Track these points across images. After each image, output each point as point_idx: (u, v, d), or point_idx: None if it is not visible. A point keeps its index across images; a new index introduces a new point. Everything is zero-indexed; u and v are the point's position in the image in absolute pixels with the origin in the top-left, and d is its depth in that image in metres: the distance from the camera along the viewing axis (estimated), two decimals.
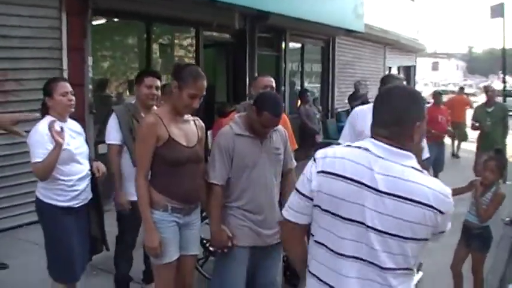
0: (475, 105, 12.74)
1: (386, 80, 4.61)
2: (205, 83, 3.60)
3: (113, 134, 4.60)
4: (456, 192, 5.57)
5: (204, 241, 5.42)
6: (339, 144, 4.52)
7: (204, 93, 3.62)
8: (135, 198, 4.38)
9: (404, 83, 4.44)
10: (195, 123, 3.80)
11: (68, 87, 4.01)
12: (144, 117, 3.80)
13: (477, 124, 9.68)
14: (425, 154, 4.49)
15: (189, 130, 3.70)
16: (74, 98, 4.03)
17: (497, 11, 11.87)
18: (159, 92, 4.74)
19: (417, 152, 2.20)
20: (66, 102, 3.95)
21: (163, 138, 3.53)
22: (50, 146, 3.71)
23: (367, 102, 13.88)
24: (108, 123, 4.67)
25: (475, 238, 5.11)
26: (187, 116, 3.74)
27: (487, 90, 9.88)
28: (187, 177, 3.60)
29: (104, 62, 8.88)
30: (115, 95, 9.17)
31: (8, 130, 2.83)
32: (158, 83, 4.69)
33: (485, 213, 5.03)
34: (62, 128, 3.73)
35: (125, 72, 9.41)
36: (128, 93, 9.28)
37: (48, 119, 3.87)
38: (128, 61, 9.43)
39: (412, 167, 2.07)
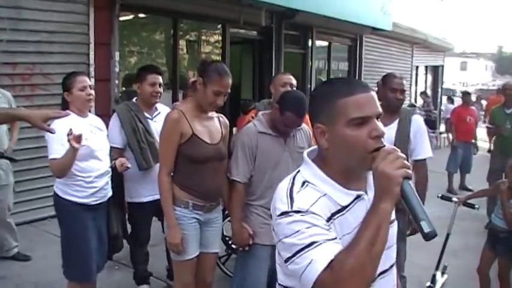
0: None
1: (386, 79, 4.52)
2: (230, 81, 3.58)
3: (114, 136, 4.47)
4: (481, 194, 5.51)
5: (227, 238, 5.43)
6: None
7: (229, 90, 3.60)
8: (139, 199, 4.43)
9: (405, 82, 4.39)
10: (219, 120, 3.79)
11: (86, 81, 3.96)
12: (168, 113, 3.77)
13: (492, 127, 8.67)
14: (427, 153, 4.43)
15: (212, 127, 3.69)
16: (93, 92, 3.98)
17: None
18: (162, 89, 4.65)
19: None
20: (85, 97, 3.90)
21: (186, 135, 3.53)
22: (67, 142, 3.60)
23: None
24: (110, 124, 4.55)
25: (501, 242, 5.01)
26: (211, 113, 3.73)
27: (505, 88, 8.56)
28: (209, 174, 3.60)
29: (130, 57, 8.92)
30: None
31: (39, 126, 2.82)
32: (161, 79, 4.62)
33: None
34: (81, 135, 3.59)
35: None
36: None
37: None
38: (154, 57, 9.45)
39: (293, 177, 1.80)
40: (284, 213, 1.66)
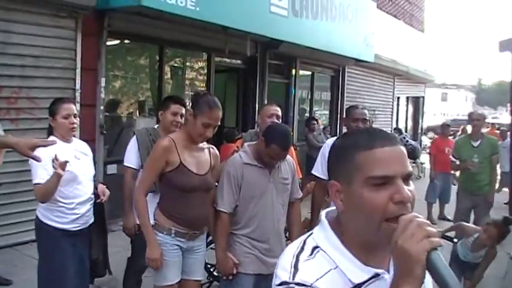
0: None
1: (348, 110, 4.82)
2: (220, 114, 3.66)
3: (131, 157, 4.62)
4: (459, 229, 5.66)
5: (209, 266, 5.46)
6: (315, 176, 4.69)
7: (219, 123, 3.68)
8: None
9: (367, 112, 4.62)
10: (209, 151, 3.86)
11: (71, 109, 4.00)
12: (159, 139, 3.85)
13: (457, 162, 7.75)
14: None
15: (201, 158, 3.76)
16: (76, 120, 4.03)
17: (506, 46, 11.88)
18: (183, 120, 4.72)
19: None
20: (68, 125, 3.96)
21: (174, 163, 3.60)
22: (50, 168, 3.67)
23: None
24: (128, 146, 4.70)
25: (469, 268, 5.35)
26: (202, 144, 3.80)
27: (473, 119, 7.54)
28: (195, 203, 3.66)
29: (116, 83, 8.99)
30: (126, 116, 9.26)
31: (26, 154, 2.87)
32: (183, 110, 4.68)
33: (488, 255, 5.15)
34: (66, 161, 3.67)
35: (137, 93, 9.52)
36: (137, 114, 9.39)
37: (52, 138, 3.87)
38: (140, 83, 9.54)
39: (304, 240, 1.53)
40: (284, 284, 1.41)
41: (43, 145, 3.08)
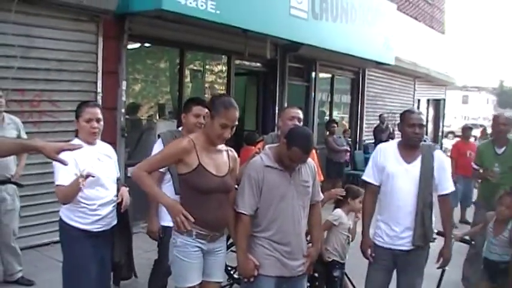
0: None
1: (404, 114, 4.60)
2: (237, 114, 3.67)
3: None
4: (478, 230, 5.54)
5: (229, 268, 5.46)
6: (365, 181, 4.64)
7: (236, 123, 3.68)
8: (169, 223, 4.41)
9: (423, 117, 4.55)
10: (227, 154, 3.86)
11: (94, 113, 4.03)
12: (180, 138, 3.86)
13: (479, 169, 6.72)
14: (450, 188, 4.49)
15: (220, 160, 3.76)
16: (98, 125, 4.04)
17: None
18: (204, 121, 4.76)
19: None
20: (89, 129, 3.99)
21: (192, 165, 3.60)
22: (73, 169, 3.73)
23: (393, 135, 13.89)
24: (154, 148, 4.69)
25: (501, 274, 5.06)
26: (220, 146, 3.80)
27: (499, 123, 6.52)
28: (215, 205, 3.65)
29: (137, 86, 9.05)
30: (146, 119, 9.32)
31: (53, 158, 2.91)
32: (205, 112, 4.71)
33: None
34: (88, 175, 3.70)
35: (157, 96, 9.58)
36: (157, 117, 9.44)
37: (76, 141, 3.92)
38: (160, 86, 9.60)
39: None
40: None
41: (69, 149, 3.12)
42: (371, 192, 4.65)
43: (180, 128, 4.90)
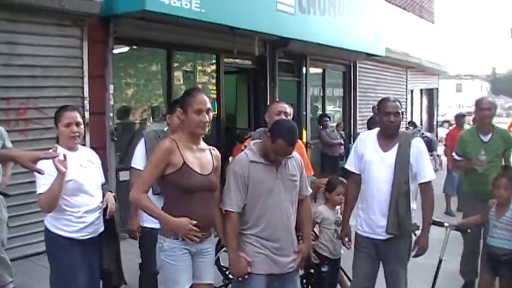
0: None
1: (380, 103, 4.58)
2: (205, 97, 3.65)
3: (138, 158, 4.61)
4: (474, 220, 5.46)
5: (224, 269, 5.41)
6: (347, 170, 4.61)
7: (209, 106, 3.64)
8: (151, 224, 4.38)
9: (398, 104, 4.52)
10: (210, 153, 3.80)
11: (73, 117, 3.94)
12: (161, 141, 3.80)
13: (459, 159, 6.17)
14: (430, 176, 4.45)
15: (204, 158, 3.71)
16: (78, 129, 3.96)
17: None
18: None
19: None
20: (69, 133, 3.90)
21: (177, 164, 3.55)
22: (54, 177, 3.64)
23: None
24: (136, 148, 4.70)
25: (503, 265, 4.98)
26: (203, 145, 3.76)
27: (482, 108, 5.97)
28: (200, 204, 3.59)
29: (125, 89, 8.97)
30: (138, 123, 9.23)
31: (28, 167, 2.84)
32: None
33: None
34: (64, 156, 3.64)
35: (147, 99, 9.50)
36: (151, 120, 9.36)
37: (54, 150, 3.85)
38: (149, 88, 9.51)
39: None
40: None
41: (46, 157, 3.05)
42: (353, 181, 4.66)
43: (166, 128, 4.84)
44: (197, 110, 3.56)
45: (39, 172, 2.98)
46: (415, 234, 4.57)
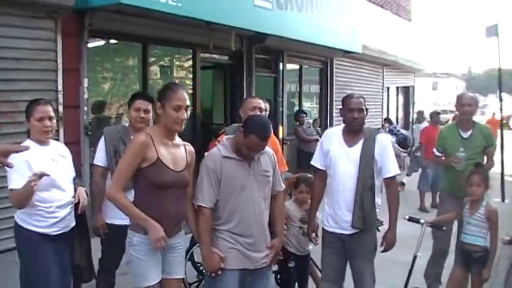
0: None
1: (344, 100, 4.68)
2: (185, 93, 3.63)
3: (99, 155, 4.62)
4: (449, 217, 5.52)
5: (198, 264, 5.40)
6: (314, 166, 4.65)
7: (188, 103, 3.63)
8: (117, 221, 4.36)
9: (362, 101, 4.58)
10: (185, 148, 3.79)
11: (45, 111, 3.91)
12: (136, 135, 3.77)
13: (439, 154, 6.13)
14: (394, 171, 4.49)
15: (178, 154, 3.69)
16: (51, 123, 3.93)
17: (492, 31, 11.98)
18: (149, 116, 4.68)
19: None
20: (41, 128, 3.88)
21: (151, 159, 3.52)
22: (26, 172, 3.62)
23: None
24: (98, 144, 4.71)
25: (475, 262, 5.04)
26: (178, 140, 3.74)
27: (463, 104, 5.87)
28: (171, 200, 3.58)
29: (101, 83, 8.87)
30: (113, 117, 9.14)
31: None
32: (148, 106, 4.65)
33: (494, 241, 5.01)
34: (42, 175, 3.60)
35: (123, 94, 9.40)
36: (123, 114, 9.27)
37: (28, 142, 3.79)
38: (125, 83, 9.42)
39: None
40: None
41: (16, 151, 3.01)
42: (319, 177, 4.71)
43: (127, 124, 4.88)
44: (176, 106, 3.54)
45: (9, 166, 2.93)
46: (378, 231, 4.62)
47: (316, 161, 4.70)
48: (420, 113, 11.73)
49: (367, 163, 4.35)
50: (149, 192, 3.56)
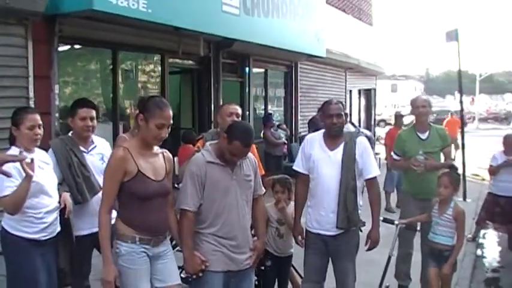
0: None
1: (323, 106, 4.85)
2: (171, 112, 3.67)
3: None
4: (422, 218, 5.69)
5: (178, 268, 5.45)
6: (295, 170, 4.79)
7: (171, 122, 3.68)
8: (79, 232, 4.40)
9: (341, 106, 4.77)
10: (163, 156, 3.84)
11: (36, 120, 3.97)
12: (113, 151, 3.81)
13: (398, 158, 6.18)
14: (375, 171, 4.69)
15: (157, 163, 3.74)
16: (41, 131, 3.99)
17: (452, 36, 12.29)
18: (95, 123, 4.63)
19: None
20: (32, 136, 3.93)
21: (132, 173, 3.56)
22: (17, 179, 3.64)
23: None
24: None
25: (445, 259, 5.22)
26: (156, 149, 3.78)
27: (417, 106, 6.03)
28: (154, 209, 3.64)
29: (70, 89, 8.85)
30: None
31: None
32: (93, 113, 4.59)
33: (460, 240, 5.21)
34: (32, 160, 3.63)
35: (93, 100, 9.34)
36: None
37: (14, 150, 3.83)
38: (93, 88, 9.41)
39: None
40: None
41: (13, 160, 3.06)
42: (301, 181, 4.85)
43: (70, 133, 4.74)
44: (160, 124, 3.57)
45: (7, 175, 2.97)
46: (361, 231, 4.78)
47: (298, 166, 4.84)
48: (399, 117, 11.86)
49: (349, 165, 4.53)
50: (132, 204, 3.61)
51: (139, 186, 3.57)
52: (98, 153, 4.66)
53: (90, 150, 4.66)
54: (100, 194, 4.24)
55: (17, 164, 3.55)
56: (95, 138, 4.76)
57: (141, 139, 3.68)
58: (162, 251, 3.79)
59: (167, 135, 3.69)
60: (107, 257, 3.53)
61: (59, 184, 4.38)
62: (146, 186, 3.59)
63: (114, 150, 3.78)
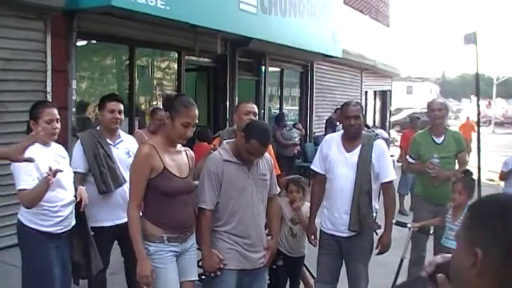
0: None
1: (342, 107, 4.89)
2: (197, 111, 3.70)
3: (78, 161, 4.55)
4: (430, 224, 5.66)
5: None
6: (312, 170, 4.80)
7: (197, 121, 3.71)
8: (101, 223, 4.44)
9: (360, 107, 4.77)
10: (186, 154, 3.87)
11: (54, 114, 4.01)
12: (139, 147, 3.85)
13: (413, 161, 6.19)
14: (391, 176, 4.67)
15: (181, 161, 3.78)
16: (58, 125, 4.04)
17: (470, 39, 12.16)
18: (122, 116, 4.77)
19: None
20: (51, 130, 3.96)
21: (158, 169, 3.59)
22: (35, 173, 3.69)
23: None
24: (73, 151, 4.66)
25: None
26: (179, 147, 3.82)
27: (433, 109, 6.00)
28: (180, 206, 3.67)
29: (87, 84, 8.90)
30: (97, 118, 9.17)
31: (19, 160, 2.87)
32: (121, 106, 4.73)
33: None
34: (56, 171, 3.66)
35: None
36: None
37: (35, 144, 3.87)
38: (110, 84, 9.47)
39: None
40: None
41: (30, 144, 3.09)
42: (318, 181, 4.87)
43: (98, 127, 4.87)
44: (186, 123, 3.61)
45: (31, 160, 3.02)
46: (376, 233, 4.77)
47: (316, 165, 4.85)
48: (415, 119, 11.81)
49: (365, 168, 4.51)
50: (159, 201, 3.63)
51: (165, 182, 3.60)
52: (125, 148, 4.77)
53: (117, 143, 4.77)
54: (124, 187, 4.41)
55: (36, 158, 3.58)
56: (122, 133, 4.88)
57: (166, 136, 3.71)
58: (189, 246, 3.83)
59: (192, 134, 3.72)
60: (140, 251, 3.55)
61: (84, 174, 4.50)
62: (172, 183, 3.62)
63: (140, 146, 3.81)
